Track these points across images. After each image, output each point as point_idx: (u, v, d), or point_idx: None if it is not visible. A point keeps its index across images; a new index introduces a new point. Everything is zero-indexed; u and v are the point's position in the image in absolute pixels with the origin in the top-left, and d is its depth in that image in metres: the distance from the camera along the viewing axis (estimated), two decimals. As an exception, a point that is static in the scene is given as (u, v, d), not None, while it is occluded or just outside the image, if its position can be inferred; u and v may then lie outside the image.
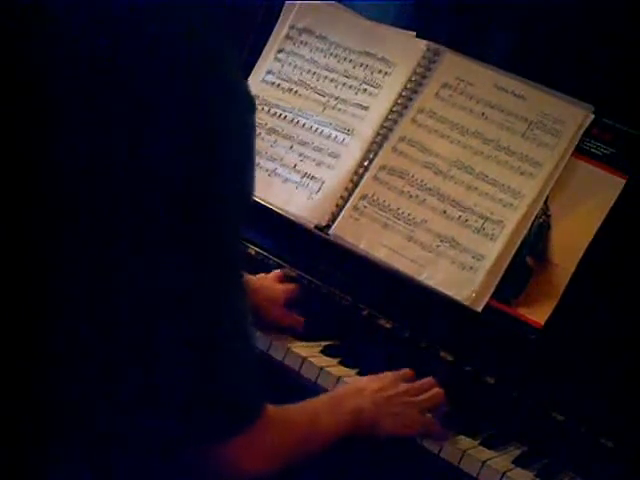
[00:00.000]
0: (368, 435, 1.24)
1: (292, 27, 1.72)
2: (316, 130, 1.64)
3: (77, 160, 0.95)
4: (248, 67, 1.71)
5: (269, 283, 1.53)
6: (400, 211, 1.52)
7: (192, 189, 0.96)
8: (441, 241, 1.48)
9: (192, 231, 0.97)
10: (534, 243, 1.44)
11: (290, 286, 1.54)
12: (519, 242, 1.45)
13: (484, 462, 1.26)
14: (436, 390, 1.33)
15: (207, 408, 0.99)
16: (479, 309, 1.43)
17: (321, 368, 1.39)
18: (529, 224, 1.45)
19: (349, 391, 1.28)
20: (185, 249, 0.97)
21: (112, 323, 0.98)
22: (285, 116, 1.67)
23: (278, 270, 1.56)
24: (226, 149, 0.99)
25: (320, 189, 1.60)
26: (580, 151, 1.47)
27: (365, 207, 1.55)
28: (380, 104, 1.62)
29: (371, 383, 1.30)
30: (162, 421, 0.99)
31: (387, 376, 1.33)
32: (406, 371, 1.35)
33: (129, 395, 0.99)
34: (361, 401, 1.24)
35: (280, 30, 1.73)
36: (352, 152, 1.60)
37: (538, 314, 1.39)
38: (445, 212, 1.50)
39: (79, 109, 0.95)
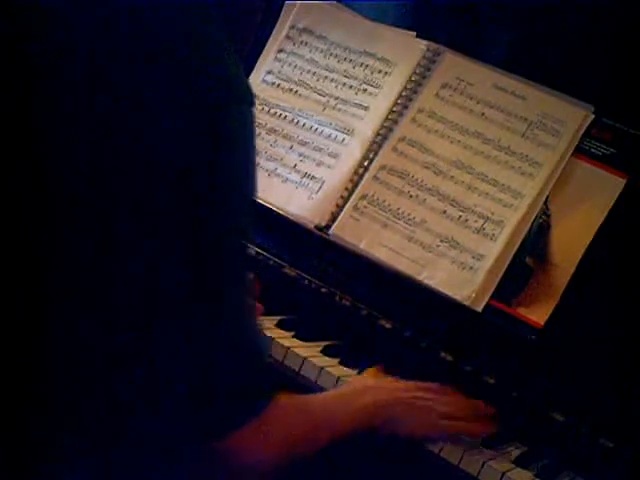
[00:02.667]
0: (384, 432, 1.22)
1: (292, 27, 1.72)
2: (316, 130, 1.64)
3: (77, 158, 0.95)
4: (248, 67, 1.71)
5: None
6: (400, 211, 1.52)
7: (195, 184, 0.97)
8: (441, 241, 1.48)
9: (194, 226, 0.97)
10: (534, 243, 1.44)
11: None
12: (519, 242, 1.45)
13: (484, 462, 1.26)
14: (455, 399, 1.31)
15: (217, 398, 0.97)
16: (479, 309, 1.43)
17: (321, 368, 1.39)
18: (529, 224, 1.45)
19: (363, 387, 1.26)
20: (187, 243, 0.97)
21: (112, 318, 0.98)
22: (285, 116, 1.67)
23: None
24: (228, 146, 0.99)
25: (320, 189, 1.60)
26: (580, 151, 1.47)
27: (365, 207, 1.55)
28: (380, 104, 1.62)
29: (386, 381, 1.30)
30: (170, 414, 0.98)
31: (404, 382, 1.31)
32: (429, 384, 1.32)
33: (135, 390, 0.98)
34: (373, 399, 1.23)
35: (280, 30, 1.73)
36: (352, 152, 1.60)
37: (538, 314, 1.39)
38: (445, 212, 1.50)
39: (79, 107, 0.95)
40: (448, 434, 1.28)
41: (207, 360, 0.98)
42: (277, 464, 1.04)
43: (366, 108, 1.63)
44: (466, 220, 1.48)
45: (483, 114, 1.54)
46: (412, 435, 1.26)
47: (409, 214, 1.52)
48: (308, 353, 1.42)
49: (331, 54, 1.68)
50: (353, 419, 1.19)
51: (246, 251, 1.02)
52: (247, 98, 1.01)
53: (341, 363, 1.42)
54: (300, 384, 1.38)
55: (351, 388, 1.28)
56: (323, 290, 1.53)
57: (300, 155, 1.64)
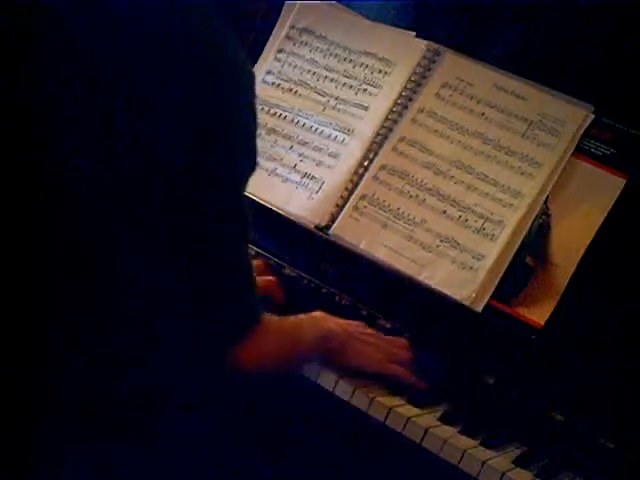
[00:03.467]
0: (334, 357, 1.34)
1: (292, 27, 1.72)
2: (316, 130, 1.64)
3: (78, 158, 0.95)
4: (248, 67, 1.71)
5: None
6: (400, 211, 1.52)
7: (194, 183, 0.97)
8: (441, 241, 1.48)
9: (193, 225, 0.99)
10: (534, 243, 1.44)
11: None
12: (519, 242, 1.45)
13: (484, 462, 1.26)
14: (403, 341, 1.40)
15: (219, 320, 1.13)
16: (479, 309, 1.43)
17: (321, 368, 1.39)
18: (529, 224, 1.45)
19: (325, 315, 1.36)
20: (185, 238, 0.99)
21: (111, 316, 0.99)
22: (285, 116, 1.67)
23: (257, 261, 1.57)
24: (225, 145, 1.00)
25: (320, 189, 1.60)
26: (580, 151, 1.47)
27: (365, 207, 1.55)
28: (380, 104, 1.62)
29: (342, 319, 1.39)
30: (176, 334, 1.09)
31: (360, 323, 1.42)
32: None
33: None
34: (333, 326, 1.35)
35: (280, 30, 1.73)
36: (352, 152, 1.60)
37: (538, 314, 1.39)
38: (445, 212, 1.50)
39: (79, 107, 0.95)
40: (389, 374, 1.36)
41: (213, 284, 1.10)
42: (264, 373, 1.21)
43: (366, 108, 1.63)
44: (466, 220, 1.48)
45: (483, 114, 1.54)
46: (359, 365, 1.35)
47: (409, 214, 1.52)
48: (308, 353, 1.42)
49: (331, 54, 1.68)
50: (317, 340, 1.31)
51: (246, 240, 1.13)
52: (250, 93, 1.02)
53: (341, 363, 1.42)
54: (300, 384, 1.38)
55: (317, 315, 1.36)
56: (323, 290, 1.53)
57: (300, 155, 1.64)
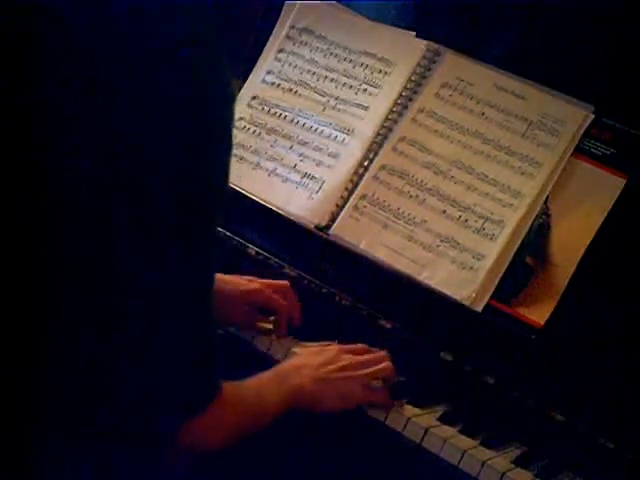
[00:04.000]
0: (311, 409, 1.29)
1: (292, 27, 1.72)
2: (316, 130, 1.64)
3: (77, 158, 0.95)
4: (248, 67, 1.71)
5: (233, 286, 1.48)
6: (400, 211, 1.52)
7: (193, 183, 0.97)
8: (441, 241, 1.48)
9: (188, 222, 0.98)
10: (534, 243, 1.44)
11: (253, 285, 1.50)
12: (519, 242, 1.45)
13: (484, 462, 1.26)
14: (384, 364, 1.35)
15: (173, 390, 1.05)
16: (479, 309, 1.43)
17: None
18: (529, 224, 1.45)
19: (291, 368, 1.31)
20: (180, 240, 0.98)
21: (111, 318, 0.99)
22: (285, 116, 1.67)
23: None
24: (220, 146, 1.00)
25: (320, 189, 1.60)
26: (580, 151, 1.47)
27: (365, 207, 1.55)
28: (380, 104, 1.62)
29: (312, 358, 1.33)
30: (130, 409, 1.04)
31: (330, 349, 1.36)
32: (356, 346, 1.38)
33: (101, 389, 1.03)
34: (300, 380, 1.28)
35: (280, 30, 1.73)
36: (352, 152, 1.60)
37: (538, 314, 1.39)
38: (445, 212, 1.50)
39: (79, 108, 0.95)
40: (374, 399, 1.33)
41: (171, 347, 1.04)
42: (226, 444, 1.14)
43: (366, 108, 1.63)
44: (466, 220, 1.48)
45: (483, 114, 1.54)
46: (336, 408, 1.30)
47: (409, 214, 1.52)
48: (308, 353, 1.42)
49: (331, 54, 1.68)
50: (283, 401, 1.24)
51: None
52: (233, 98, 1.02)
53: (341, 363, 1.42)
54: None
55: (282, 369, 1.31)
56: (323, 290, 1.53)
57: (300, 155, 1.64)
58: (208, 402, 1.08)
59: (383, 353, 1.37)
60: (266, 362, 1.38)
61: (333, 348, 1.37)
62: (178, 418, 1.06)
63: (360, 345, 1.39)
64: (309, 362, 1.32)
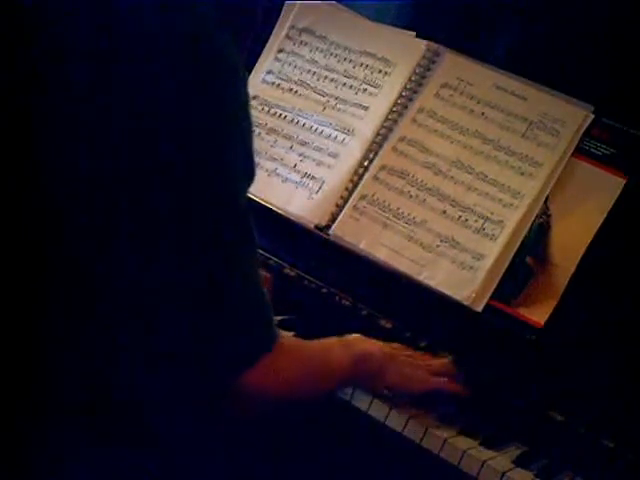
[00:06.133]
0: (372, 381, 1.28)
1: (292, 27, 1.72)
2: (316, 130, 1.64)
3: (78, 158, 0.95)
4: (248, 67, 1.71)
5: None
6: (400, 211, 1.52)
7: (194, 182, 0.97)
8: (441, 241, 1.48)
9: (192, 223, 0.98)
10: (534, 243, 1.44)
11: None
12: (519, 242, 1.45)
13: (484, 462, 1.26)
14: (445, 360, 1.36)
15: (225, 340, 1.03)
16: (479, 309, 1.43)
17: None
18: (529, 224, 1.45)
19: (359, 337, 1.31)
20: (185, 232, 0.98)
21: (113, 309, 0.99)
22: (285, 116, 1.67)
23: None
24: (228, 145, 1.00)
25: (320, 189, 1.60)
26: (580, 151, 1.47)
27: (365, 207, 1.55)
28: (380, 104, 1.62)
29: (377, 341, 1.34)
30: (184, 364, 1.03)
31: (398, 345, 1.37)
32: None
33: (149, 348, 1.03)
34: (371, 347, 1.28)
35: (280, 30, 1.73)
36: (352, 152, 1.60)
37: (538, 314, 1.39)
38: (445, 212, 1.50)
39: (79, 107, 0.95)
40: (433, 388, 1.33)
41: (219, 298, 1.02)
42: (282, 401, 1.12)
43: (366, 108, 1.63)
44: (466, 220, 1.48)
45: (483, 114, 1.54)
46: (400, 386, 1.31)
47: (409, 214, 1.52)
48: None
49: (331, 54, 1.68)
50: (352, 362, 1.24)
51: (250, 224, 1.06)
52: (245, 93, 1.02)
53: (341, 363, 1.42)
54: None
55: (348, 338, 1.31)
56: (323, 290, 1.53)
57: (300, 155, 1.64)
58: (266, 349, 1.06)
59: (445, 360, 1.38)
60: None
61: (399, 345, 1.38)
62: (236, 367, 1.04)
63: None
64: (378, 342, 1.33)
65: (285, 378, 1.10)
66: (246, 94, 1.03)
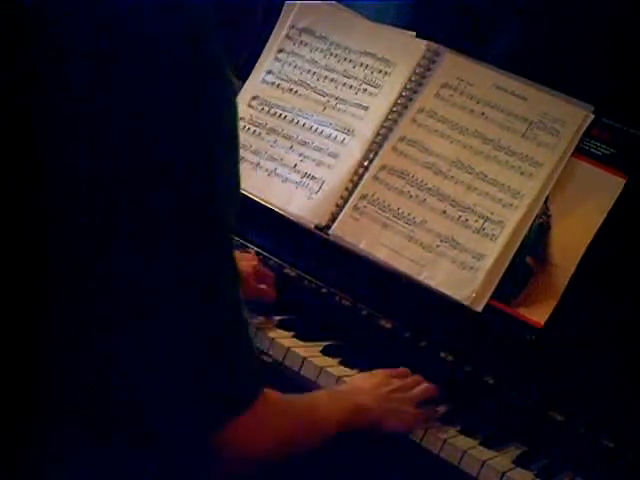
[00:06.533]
0: (367, 432, 1.26)
1: (292, 27, 1.72)
2: (316, 130, 1.64)
3: (77, 158, 0.95)
4: (248, 67, 1.71)
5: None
6: (400, 211, 1.52)
7: (193, 182, 0.97)
8: (441, 241, 1.48)
9: (192, 221, 0.98)
10: (534, 243, 1.44)
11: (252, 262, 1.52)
12: (519, 242, 1.45)
13: (484, 462, 1.26)
14: (426, 385, 1.36)
15: (206, 392, 1.00)
16: (479, 309, 1.43)
17: (321, 368, 1.39)
18: (529, 224, 1.45)
19: (348, 389, 1.30)
20: (184, 237, 0.98)
21: (109, 315, 0.99)
22: (285, 116, 1.67)
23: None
24: (223, 144, 1.00)
25: (320, 189, 1.60)
26: (580, 151, 1.47)
27: (365, 207, 1.55)
28: (380, 104, 1.62)
29: (365, 381, 1.32)
30: (162, 413, 1.01)
31: (379, 373, 1.36)
32: (400, 369, 1.38)
33: (131, 385, 1.00)
34: (365, 399, 1.27)
35: (280, 30, 1.73)
36: (352, 152, 1.60)
37: (538, 314, 1.39)
38: (445, 212, 1.50)
39: (79, 107, 0.95)
40: (420, 420, 1.32)
41: (200, 354, 0.99)
42: (267, 459, 1.07)
43: (366, 108, 1.63)
44: (466, 220, 1.48)
45: (483, 114, 1.54)
46: (399, 429, 1.29)
47: (409, 214, 1.52)
48: (308, 353, 1.42)
49: (331, 54, 1.68)
50: (345, 419, 1.21)
51: (231, 245, 1.03)
52: (235, 96, 1.02)
53: (341, 363, 1.42)
54: (300, 384, 1.38)
55: (336, 390, 1.30)
56: (323, 290, 1.53)
57: (300, 155, 1.64)
58: (251, 399, 1.02)
59: (418, 376, 1.38)
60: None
61: (381, 372, 1.36)
62: (219, 417, 1.00)
63: (402, 369, 1.39)
64: (364, 385, 1.31)
65: (270, 430, 1.05)
66: (234, 103, 1.02)
